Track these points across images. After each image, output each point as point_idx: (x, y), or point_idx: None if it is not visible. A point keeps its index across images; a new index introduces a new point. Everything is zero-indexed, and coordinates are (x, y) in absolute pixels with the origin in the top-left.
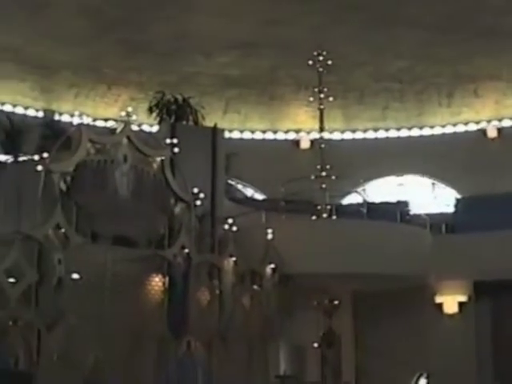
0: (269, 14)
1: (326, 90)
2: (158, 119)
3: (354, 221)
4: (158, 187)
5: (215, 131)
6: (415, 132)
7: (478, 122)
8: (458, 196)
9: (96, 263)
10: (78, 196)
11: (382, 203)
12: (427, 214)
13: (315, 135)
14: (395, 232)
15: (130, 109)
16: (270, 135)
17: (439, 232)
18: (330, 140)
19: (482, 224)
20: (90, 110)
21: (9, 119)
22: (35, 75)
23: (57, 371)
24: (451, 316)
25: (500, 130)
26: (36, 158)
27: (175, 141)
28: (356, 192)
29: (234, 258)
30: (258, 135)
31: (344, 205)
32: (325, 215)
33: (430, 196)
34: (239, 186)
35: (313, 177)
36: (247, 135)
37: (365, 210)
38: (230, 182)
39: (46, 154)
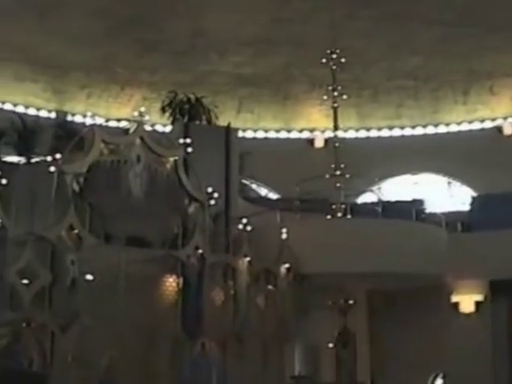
0: (282, 11)
1: (339, 88)
2: (171, 119)
3: (369, 220)
4: (171, 187)
5: (229, 131)
6: (430, 130)
7: (493, 120)
8: (474, 194)
9: (109, 264)
10: (91, 197)
11: (397, 202)
12: (443, 213)
13: (329, 134)
14: (411, 231)
15: (142, 109)
16: (283, 134)
17: (455, 230)
18: (344, 139)
19: (498, 222)
20: (102, 111)
21: (21, 120)
22: (48, 76)
23: (71, 372)
24: (467, 315)
25: None
26: (49, 159)
27: (188, 140)
28: (371, 191)
29: (248, 258)
30: (272, 134)
31: (359, 204)
32: (339, 214)
33: (445, 194)
34: (253, 186)
35: (327, 176)
36: (261, 134)
37: (380, 209)
38: (243, 181)
39: (58, 155)
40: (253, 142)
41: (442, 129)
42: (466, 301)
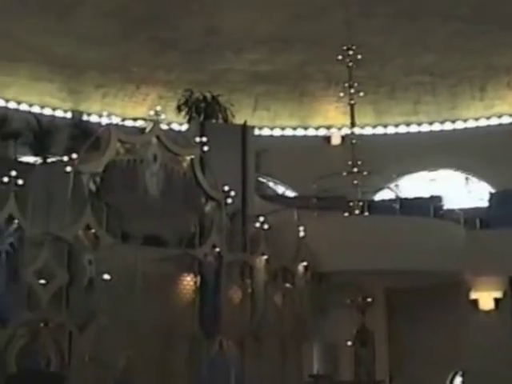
0: (298, 8)
1: (356, 85)
2: (187, 118)
3: (387, 217)
4: (188, 186)
5: (245, 129)
6: (448, 126)
7: (511, 115)
8: (492, 190)
9: (126, 263)
10: (107, 196)
11: (414, 199)
12: (461, 209)
13: (346, 131)
14: (429, 228)
15: (158, 108)
16: (300, 132)
17: (473, 227)
18: (361, 135)
19: None
20: (118, 110)
21: (37, 120)
22: (63, 76)
23: (88, 372)
24: (486, 312)
25: None
26: (65, 159)
27: (205, 139)
28: (388, 188)
29: (265, 256)
30: (289, 132)
31: (376, 201)
32: (357, 211)
33: (463, 191)
34: (270, 184)
35: (344, 173)
36: (277, 132)
37: (397, 206)
38: (260, 179)
39: (74, 155)
40: (269, 140)
41: (459, 125)
42: (485, 298)
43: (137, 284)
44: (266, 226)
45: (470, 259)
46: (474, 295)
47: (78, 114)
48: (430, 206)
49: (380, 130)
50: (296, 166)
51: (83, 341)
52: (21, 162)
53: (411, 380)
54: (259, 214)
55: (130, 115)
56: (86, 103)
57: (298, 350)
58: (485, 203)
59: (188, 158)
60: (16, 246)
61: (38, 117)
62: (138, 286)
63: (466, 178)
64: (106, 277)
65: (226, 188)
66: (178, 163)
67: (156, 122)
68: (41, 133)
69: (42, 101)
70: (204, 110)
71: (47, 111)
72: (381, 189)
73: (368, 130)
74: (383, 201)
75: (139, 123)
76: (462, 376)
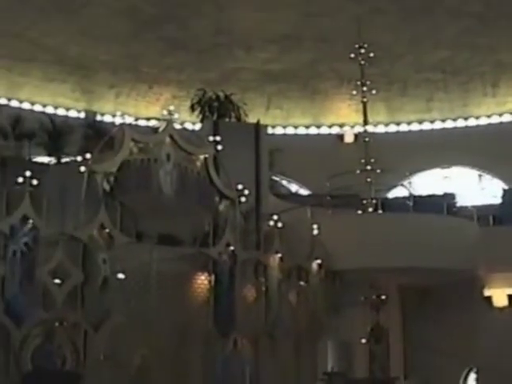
0: (307, 6)
1: (368, 82)
2: (201, 117)
3: (401, 214)
4: (201, 185)
5: (258, 127)
6: (460, 123)
7: None
8: (505, 187)
9: (141, 262)
10: (121, 196)
11: (428, 196)
12: (474, 206)
13: (359, 129)
14: (442, 225)
15: (171, 107)
16: (313, 130)
17: (487, 224)
18: (374, 133)
19: None
20: (131, 110)
21: (51, 121)
22: (76, 76)
23: (103, 371)
24: (500, 309)
25: None
26: (79, 158)
27: (218, 138)
28: (402, 185)
29: (279, 255)
30: (302, 130)
31: (390, 198)
32: (370, 209)
33: (476, 188)
34: (284, 182)
35: (358, 171)
36: (290, 130)
37: (411, 203)
38: (274, 177)
39: (88, 155)
40: (282, 139)
41: (472, 122)
42: (499, 294)
43: (151, 283)
44: (279, 225)
45: (484, 256)
46: (487, 292)
47: (91, 113)
48: (444, 204)
49: (393, 128)
50: (309, 164)
51: (98, 340)
52: (35, 163)
53: (426, 377)
54: (273, 213)
55: (143, 115)
56: (99, 103)
57: (312, 347)
58: (498, 200)
59: (201, 157)
60: (31, 246)
61: (51, 117)
62: (153, 285)
63: (479, 175)
64: (121, 276)
65: (240, 187)
66: (191, 162)
67: (169, 122)
68: (54, 133)
69: (56, 101)
70: (217, 109)
71: (61, 111)
72: (394, 186)
73: (381, 128)
74: (396, 198)
75: (152, 123)
76: (476, 373)
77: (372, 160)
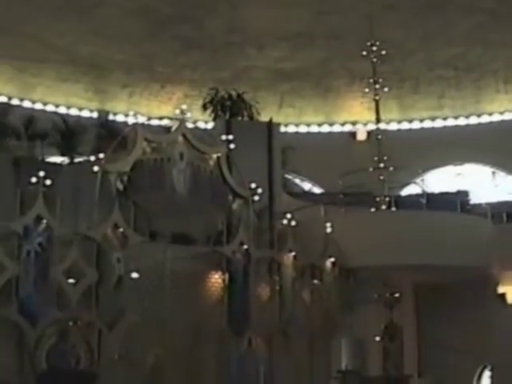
0: (319, 4)
1: (380, 80)
2: (213, 116)
3: (414, 212)
4: (214, 184)
5: (271, 126)
6: (473, 120)
7: None
8: None
9: (155, 261)
10: (135, 195)
11: (441, 193)
12: (488, 203)
13: (371, 126)
14: (456, 222)
15: (184, 106)
16: (325, 128)
17: (500, 221)
18: (386, 131)
19: None
20: (144, 109)
21: (64, 121)
22: (89, 76)
23: (118, 370)
24: None
25: None
26: (92, 158)
27: (231, 137)
28: (415, 183)
29: (293, 253)
30: (314, 128)
31: (403, 196)
32: (384, 207)
33: (490, 185)
34: (296, 180)
35: (371, 169)
36: (303, 129)
37: (424, 201)
38: (287, 176)
39: (101, 155)
40: (295, 137)
41: (484, 118)
42: None
43: (165, 282)
44: (293, 223)
45: (498, 253)
46: (501, 289)
47: (104, 113)
48: (457, 201)
49: (405, 125)
50: (322, 162)
51: (112, 339)
52: (48, 163)
53: (440, 374)
54: (286, 211)
55: (155, 114)
56: (111, 103)
57: (326, 345)
58: None
59: (214, 155)
60: (45, 246)
61: (64, 117)
62: (167, 284)
63: (493, 172)
64: (135, 275)
65: (253, 185)
66: (204, 161)
67: (182, 121)
68: (67, 133)
69: (68, 101)
70: (229, 108)
71: (73, 111)
72: (407, 184)
73: (393, 126)
74: (410, 196)
75: (165, 122)
76: (491, 370)
77: (385, 157)
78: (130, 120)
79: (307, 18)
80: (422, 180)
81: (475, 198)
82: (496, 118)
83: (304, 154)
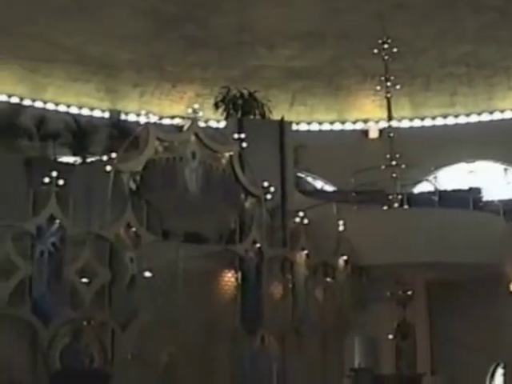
0: (330, 2)
1: (392, 78)
2: (225, 114)
3: (426, 209)
4: (227, 183)
5: (282, 124)
6: (485, 117)
7: None
8: None
9: (168, 260)
10: (147, 194)
11: (453, 191)
12: (500, 201)
13: (383, 124)
14: (468, 220)
15: (196, 105)
16: (337, 126)
17: None
18: (398, 128)
19: None
20: (155, 109)
21: (75, 121)
22: (100, 76)
23: (131, 369)
24: None
25: None
26: (104, 158)
27: (243, 135)
28: (427, 180)
29: (306, 251)
30: (326, 126)
31: (415, 193)
32: (396, 205)
33: (502, 182)
34: (309, 179)
35: (383, 166)
36: (315, 127)
37: (436, 198)
38: (299, 174)
39: (114, 154)
40: (307, 135)
41: (497, 115)
42: None
43: (178, 281)
44: (305, 221)
45: (510, 251)
46: None
47: (115, 113)
48: (469, 198)
49: (417, 123)
50: (334, 160)
51: (126, 338)
52: (60, 163)
53: (452, 372)
54: (299, 209)
55: (167, 113)
56: (123, 102)
57: (339, 343)
58: None
59: (227, 154)
60: (58, 246)
61: (76, 117)
62: (180, 283)
63: (505, 169)
64: (148, 274)
65: (266, 184)
66: (216, 160)
67: (194, 120)
68: (79, 133)
69: (80, 101)
70: (241, 107)
71: (85, 111)
72: (419, 181)
73: (405, 123)
74: (422, 193)
75: (177, 121)
76: (504, 368)
77: (397, 155)
78: (142, 119)
79: (317, 17)
80: (435, 177)
81: (487, 195)
82: (508, 114)
83: (316, 152)
